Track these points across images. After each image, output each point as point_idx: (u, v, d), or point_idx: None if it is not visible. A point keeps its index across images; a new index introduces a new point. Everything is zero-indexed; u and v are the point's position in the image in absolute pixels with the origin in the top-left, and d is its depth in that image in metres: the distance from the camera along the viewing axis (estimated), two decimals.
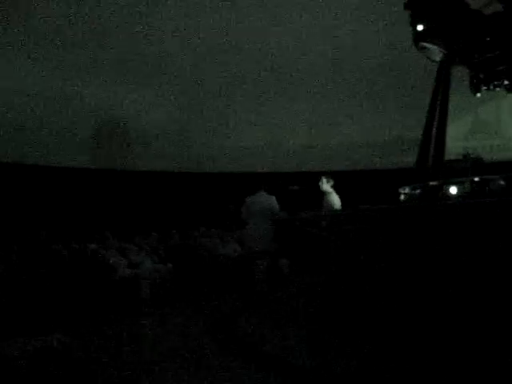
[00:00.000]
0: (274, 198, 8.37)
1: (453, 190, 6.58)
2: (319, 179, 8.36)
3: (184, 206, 13.86)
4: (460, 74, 8.35)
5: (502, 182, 6.55)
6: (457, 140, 13.18)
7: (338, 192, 8.42)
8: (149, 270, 9.36)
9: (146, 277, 9.13)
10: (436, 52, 7.82)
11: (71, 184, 12.96)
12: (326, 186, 8.31)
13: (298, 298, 8.52)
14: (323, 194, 8.35)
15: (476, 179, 6.53)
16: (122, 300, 8.59)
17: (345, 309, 6.32)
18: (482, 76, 7.87)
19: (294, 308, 7.71)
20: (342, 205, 8.24)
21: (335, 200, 8.26)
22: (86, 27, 13.06)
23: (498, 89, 8.00)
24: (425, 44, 7.74)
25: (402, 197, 7.23)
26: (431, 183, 6.72)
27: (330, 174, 8.48)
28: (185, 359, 5.27)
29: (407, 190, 7.10)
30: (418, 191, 6.88)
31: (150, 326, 7.21)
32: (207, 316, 7.63)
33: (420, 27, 7.66)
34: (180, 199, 14.04)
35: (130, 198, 13.47)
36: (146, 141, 14.64)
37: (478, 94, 8.16)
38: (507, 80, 7.85)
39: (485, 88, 8.03)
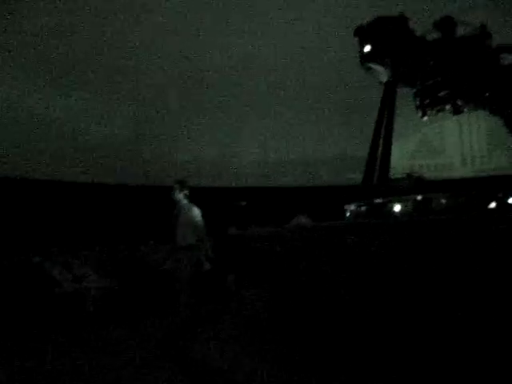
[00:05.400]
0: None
1: (397, 207, 6.78)
2: (173, 187, 7.16)
3: (133, 219, 13.66)
4: (406, 95, 8.60)
5: (443, 201, 6.79)
6: (402, 159, 13.55)
7: (290, 208, 8.37)
8: (94, 284, 9.17)
9: (91, 291, 8.94)
10: (382, 73, 8.07)
11: (18, 196, 12.59)
12: (179, 195, 7.12)
13: (245, 313, 8.46)
14: (176, 204, 7.19)
15: (419, 197, 6.75)
16: (65, 315, 8.38)
17: (289, 322, 6.37)
18: (427, 101, 8.18)
19: (242, 324, 7.67)
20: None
21: (194, 212, 7.14)
22: (38, 35, 12.82)
23: (441, 113, 8.32)
24: (371, 65, 7.98)
25: (348, 213, 7.40)
26: (376, 201, 6.89)
27: (185, 182, 7.21)
28: (125, 377, 5.17)
29: (352, 207, 7.27)
30: (363, 208, 7.05)
31: (90, 342, 7.03)
32: (152, 332, 7.52)
33: (367, 48, 7.90)
34: (129, 213, 13.84)
35: (78, 210, 13.18)
36: (95, 153, 14.39)
37: (425, 118, 8.44)
38: (450, 104, 8.18)
39: (430, 112, 8.33)
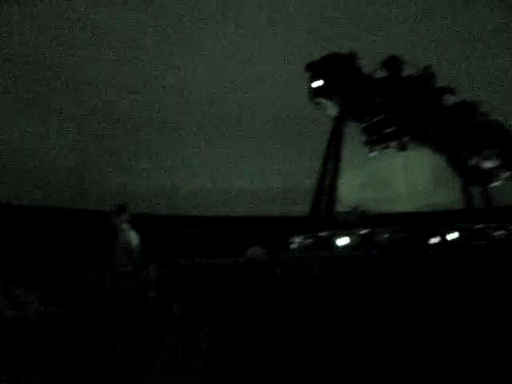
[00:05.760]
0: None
1: (342, 241, 6.87)
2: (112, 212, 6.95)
3: (78, 244, 13.30)
4: (355, 129, 8.78)
5: (386, 235, 6.92)
6: (350, 192, 13.69)
7: (239, 237, 8.32)
8: (36, 311, 8.86)
9: (32, 319, 8.64)
10: (331, 108, 8.22)
11: None
12: (118, 219, 7.00)
13: (190, 341, 8.30)
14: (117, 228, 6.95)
15: (363, 232, 6.86)
16: (4, 342, 8.03)
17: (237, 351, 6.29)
18: (374, 137, 8.37)
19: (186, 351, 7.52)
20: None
21: (131, 236, 7.02)
22: None
23: (387, 149, 8.51)
24: (321, 100, 8.12)
25: (293, 245, 7.43)
26: (321, 234, 6.95)
27: (125, 206, 7.07)
28: None
29: (298, 240, 7.31)
30: (309, 241, 7.10)
31: (29, 370, 6.73)
32: (93, 361, 7.27)
33: (318, 83, 8.05)
34: (74, 237, 13.47)
35: (22, 234, 12.76)
36: (40, 176, 14.06)
37: (373, 153, 8.61)
38: (396, 140, 8.40)
39: (377, 148, 8.51)
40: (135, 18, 14.01)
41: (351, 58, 8.07)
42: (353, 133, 8.73)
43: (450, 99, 8.31)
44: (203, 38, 14.08)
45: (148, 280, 10.45)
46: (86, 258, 12.25)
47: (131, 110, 13.90)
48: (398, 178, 15.30)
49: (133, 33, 13.69)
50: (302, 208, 9.53)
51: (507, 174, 8.30)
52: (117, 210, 6.80)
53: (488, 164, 8.28)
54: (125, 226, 6.82)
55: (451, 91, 8.35)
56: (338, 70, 7.95)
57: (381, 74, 8.26)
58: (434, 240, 7.00)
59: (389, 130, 8.25)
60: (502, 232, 7.15)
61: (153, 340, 7.99)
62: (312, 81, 8.09)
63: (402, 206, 14.86)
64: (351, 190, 13.75)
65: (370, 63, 8.30)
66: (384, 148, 8.53)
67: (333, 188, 7.87)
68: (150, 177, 14.89)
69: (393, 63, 8.15)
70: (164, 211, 13.85)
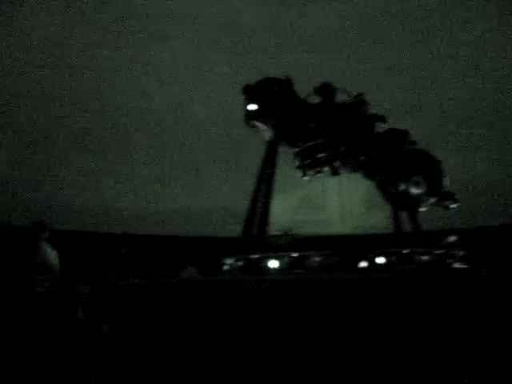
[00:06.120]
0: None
1: (273, 263, 6.93)
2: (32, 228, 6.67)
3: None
4: (288, 152, 8.89)
5: (317, 259, 7.03)
6: (284, 213, 13.81)
7: (171, 257, 8.24)
8: None
9: None
10: (266, 132, 8.31)
11: None
12: (37, 236, 6.58)
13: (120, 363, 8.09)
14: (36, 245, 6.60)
15: (294, 255, 6.95)
16: None
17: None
18: (307, 162, 8.51)
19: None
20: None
21: (50, 255, 6.63)
22: None
23: (321, 174, 8.66)
24: (256, 123, 8.20)
25: (225, 267, 7.43)
26: (252, 256, 6.99)
27: (44, 223, 6.73)
28: None
29: (230, 261, 7.32)
30: (241, 263, 7.12)
31: None
32: None
33: (252, 107, 8.13)
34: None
35: None
36: None
37: (306, 177, 8.74)
38: (329, 166, 8.57)
39: (310, 172, 8.64)
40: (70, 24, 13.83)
41: (287, 82, 8.22)
42: (287, 157, 8.83)
43: (380, 127, 8.58)
44: (137, 53, 14.03)
45: (78, 299, 10.13)
46: (5, 277, 11.75)
47: (60, 126, 13.62)
48: (333, 201, 15.56)
49: (65, 44, 13.49)
50: (234, 229, 9.55)
51: (433, 200, 8.61)
52: (36, 226, 6.54)
53: (416, 190, 8.55)
54: (43, 243, 6.55)
55: (383, 119, 8.62)
56: (272, 94, 8.06)
57: (315, 99, 8.43)
58: (363, 264, 7.15)
59: (321, 155, 8.41)
60: (428, 257, 7.39)
61: (81, 361, 7.77)
62: (247, 104, 8.17)
63: (336, 228, 15.11)
64: (284, 212, 13.88)
65: (305, 89, 8.47)
66: (317, 173, 8.69)
67: (265, 210, 7.92)
68: (81, 193, 14.52)
69: (326, 90, 8.35)
70: (96, 229, 13.53)
